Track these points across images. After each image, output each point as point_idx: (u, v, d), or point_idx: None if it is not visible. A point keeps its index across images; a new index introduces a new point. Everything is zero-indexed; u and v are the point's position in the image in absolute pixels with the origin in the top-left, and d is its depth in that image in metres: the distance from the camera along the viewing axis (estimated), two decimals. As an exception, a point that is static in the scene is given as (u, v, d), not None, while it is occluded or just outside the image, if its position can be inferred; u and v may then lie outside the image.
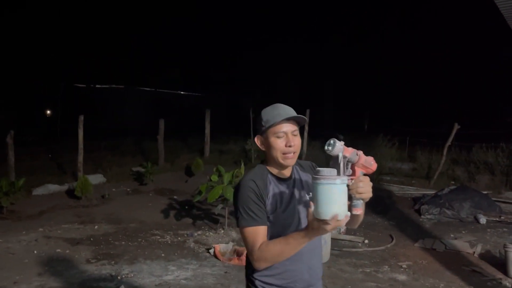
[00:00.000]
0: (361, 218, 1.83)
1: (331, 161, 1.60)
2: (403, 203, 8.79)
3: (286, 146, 1.83)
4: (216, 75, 23.65)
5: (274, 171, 1.92)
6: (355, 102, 20.54)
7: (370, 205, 8.33)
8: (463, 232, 6.92)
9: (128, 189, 9.40)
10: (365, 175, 1.68)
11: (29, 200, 8.22)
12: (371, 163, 1.68)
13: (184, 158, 11.69)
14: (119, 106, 22.18)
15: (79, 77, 23.44)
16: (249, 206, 1.79)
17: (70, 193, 8.58)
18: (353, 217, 1.69)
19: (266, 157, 1.94)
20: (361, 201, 1.67)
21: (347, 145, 1.64)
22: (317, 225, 1.50)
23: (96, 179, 9.45)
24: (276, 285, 1.83)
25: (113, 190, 9.18)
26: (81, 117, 9.44)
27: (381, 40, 22.41)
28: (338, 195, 1.47)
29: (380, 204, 8.44)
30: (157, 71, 23.53)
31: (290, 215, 1.86)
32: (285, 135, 1.84)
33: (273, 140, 1.84)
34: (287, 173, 1.94)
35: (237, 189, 1.87)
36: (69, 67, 23.65)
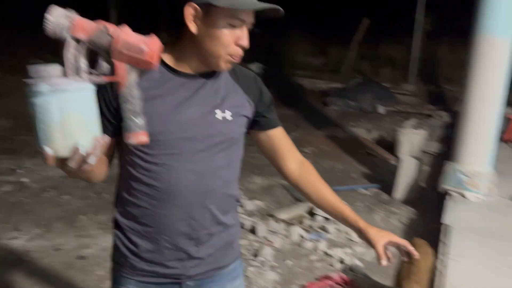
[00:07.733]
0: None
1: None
2: (313, 96, 9.17)
3: (237, 43, 1.14)
4: None
5: (172, 59, 1.17)
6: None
7: (281, 98, 8.61)
8: (363, 120, 7.50)
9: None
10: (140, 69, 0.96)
11: None
12: (140, 48, 0.90)
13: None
14: None
15: None
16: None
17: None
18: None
19: (179, 41, 1.16)
20: (140, 121, 0.99)
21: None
22: (58, 165, 0.93)
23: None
24: (135, 230, 1.23)
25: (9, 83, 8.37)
26: None
27: None
28: (74, 111, 0.87)
29: (290, 97, 8.72)
30: None
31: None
32: (243, 28, 1.15)
33: (223, 28, 1.11)
34: (199, 68, 1.19)
35: None
36: None
